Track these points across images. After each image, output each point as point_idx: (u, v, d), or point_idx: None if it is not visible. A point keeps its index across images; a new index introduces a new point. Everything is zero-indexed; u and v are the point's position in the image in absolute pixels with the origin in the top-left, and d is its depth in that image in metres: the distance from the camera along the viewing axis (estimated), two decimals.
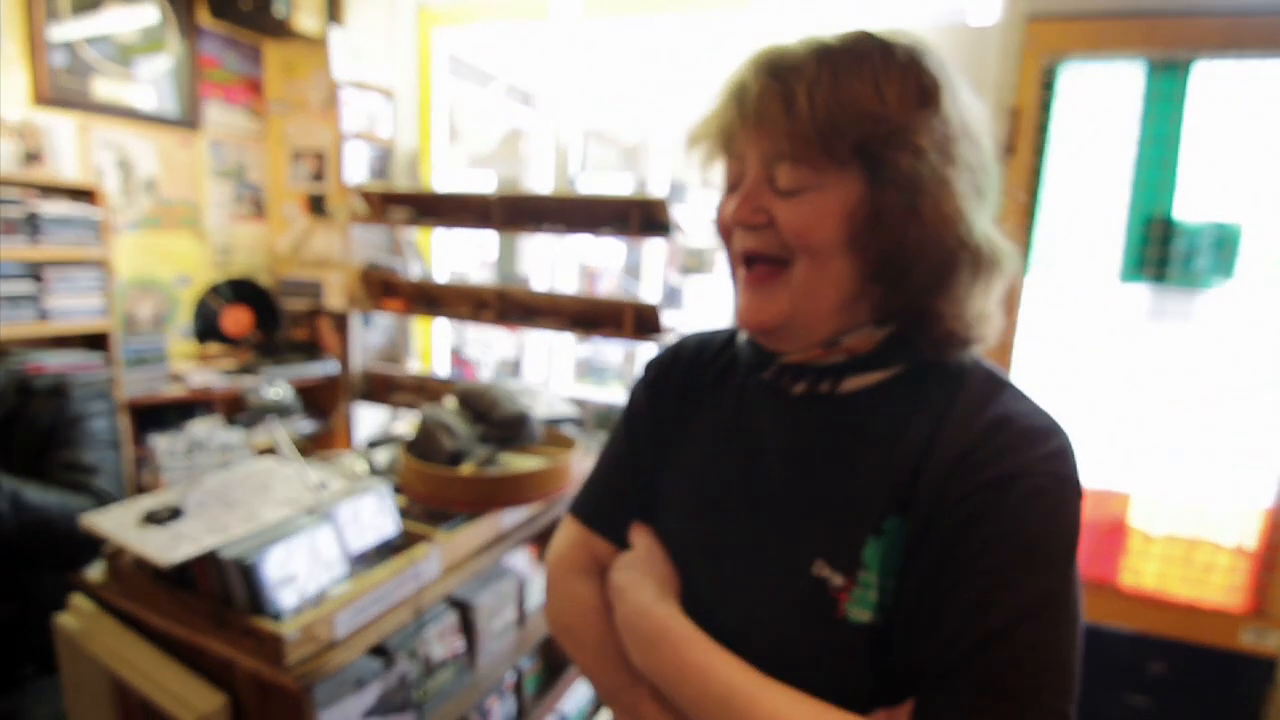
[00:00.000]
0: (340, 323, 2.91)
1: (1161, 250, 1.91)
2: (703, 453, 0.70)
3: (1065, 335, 2.05)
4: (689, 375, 0.75)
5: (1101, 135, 1.95)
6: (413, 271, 2.86)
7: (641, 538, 0.71)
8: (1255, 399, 1.89)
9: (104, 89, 2.52)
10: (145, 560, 1.11)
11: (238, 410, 2.72)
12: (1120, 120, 1.92)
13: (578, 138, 2.90)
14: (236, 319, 2.86)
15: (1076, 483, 0.53)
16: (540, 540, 1.70)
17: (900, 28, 0.58)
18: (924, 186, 0.54)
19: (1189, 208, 1.88)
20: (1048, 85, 1.99)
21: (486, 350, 3.76)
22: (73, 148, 2.44)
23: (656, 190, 2.33)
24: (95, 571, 1.27)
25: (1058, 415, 0.56)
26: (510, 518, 1.56)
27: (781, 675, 0.56)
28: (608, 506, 0.77)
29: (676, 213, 2.20)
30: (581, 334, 2.46)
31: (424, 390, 2.76)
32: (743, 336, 0.70)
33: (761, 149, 0.57)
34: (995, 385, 0.59)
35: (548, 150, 3.16)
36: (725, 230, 0.63)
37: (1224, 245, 1.88)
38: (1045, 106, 2.00)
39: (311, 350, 2.96)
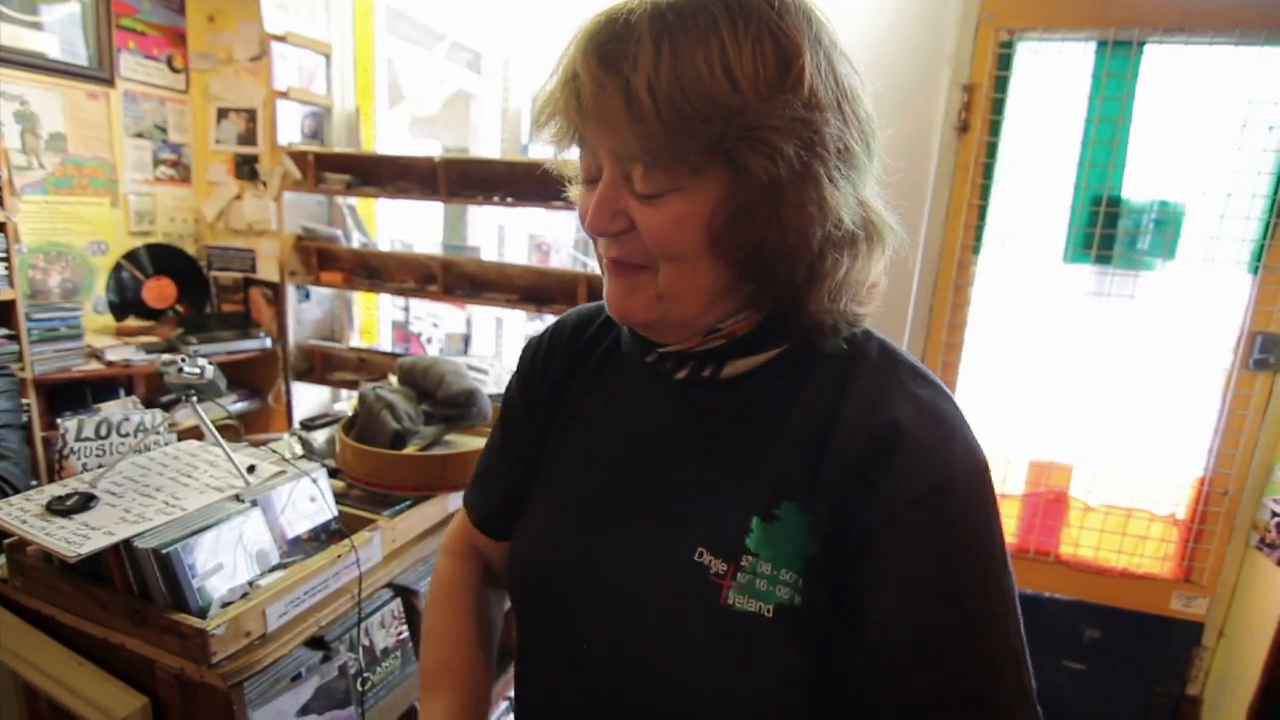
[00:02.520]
0: (275, 295, 2.75)
1: (1106, 230, 1.94)
2: (587, 438, 0.67)
3: (1014, 313, 2.07)
4: (570, 357, 0.71)
5: (1056, 114, 1.96)
6: (354, 241, 2.71)
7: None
8: (1191, 374, 1.95)
9: (2, 34, 2.28)
10: (51, 553, 1.01)
11: (161, 389, 2.56)
12: (1074, 99, 1.93)
13: (530, 101, 2.78)
14: (159, 290, 2.67)
15: (987, 465, 0.53)
16: None
17: None
18: (782, 188, 0.48)
19: (1135, 188, 1.92)
20: (1004, 62, 1.99)
21: (434, 325, 3.62)
22: None
23: None
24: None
25: (946, 385, 0.56)
26: (458, 500, 1.49)
27: (667, 671, 0.55)
28: (482, 497, 0.77)
29: None
30: (533, 310, 2.38)
31: (367, 367, 2.64)
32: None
33: (612, 147, 0.50)
34: (890, 363, 0.57)
35: (496, 115, 3.03)
36: (589, 232, 0.56)
37: (1167, 225, 1.92)
38: (1001, 84, 2.00)
39: (244, 324, 2.79)
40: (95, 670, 1.05)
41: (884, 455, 0.51)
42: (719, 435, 0.59)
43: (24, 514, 1.07)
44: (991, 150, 2.02)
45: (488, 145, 3.33)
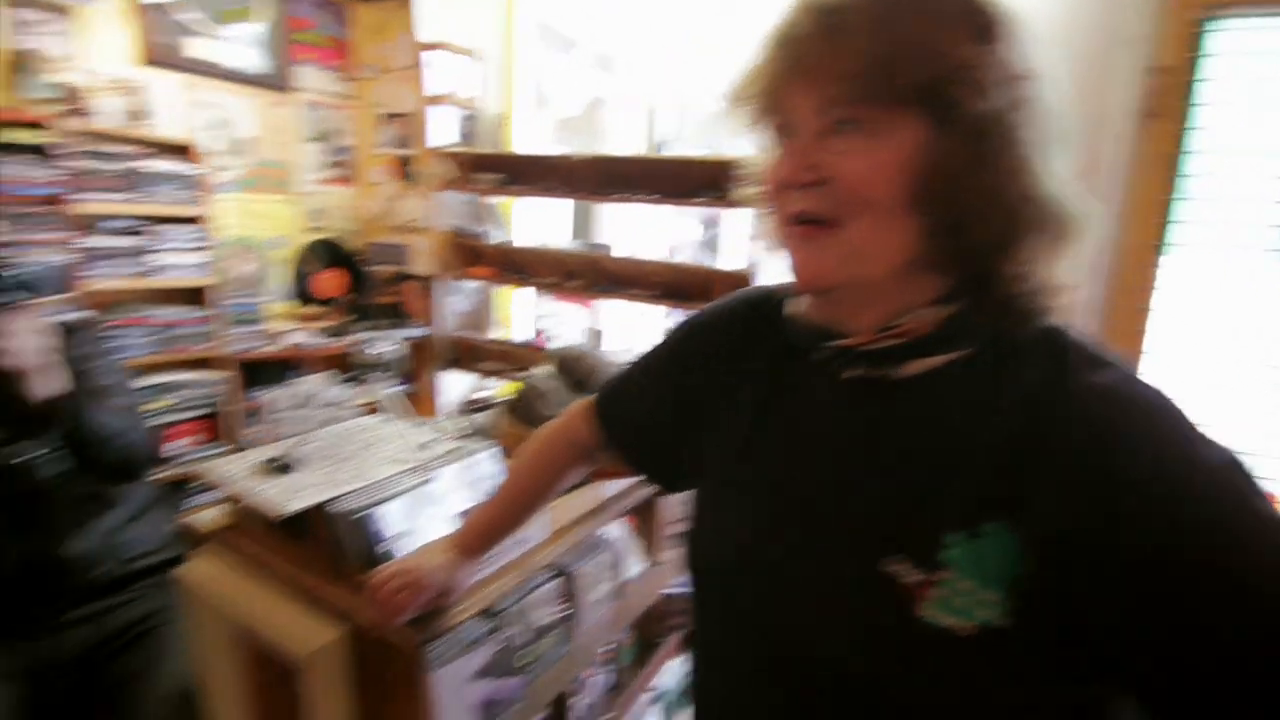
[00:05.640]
0: (426, 288, 2.92)
1: None
2: (753, 433, 0.66)
3: (1210, 318, 1.87)
4: (738, 338, 0.72)
5: (1260, 98, 1.75)
6: (496, 238, 2.84)
7: None
8: None
9: (199, 49, 2.56)
10: (259, 511, 1.11)
11: (329, 369, 2.76)
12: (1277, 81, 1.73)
13: (663, 104, 2.81)
14: (330, 281, 2.90)
15: (1237, 457, 0.47)
16: (638, 512, 1.65)
17: None
18: (990, 130, 0.49)
19: None
20: (1195, 43, 1.81)
21: (561, 323, 3.72)
22: (173, 106, 2.49)
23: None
24: (212, 517, 1.28)
25: (1164, 388, 0.50)
26: (609, 488, 1.51)
27: (854, 684, 0.54)
28: (615, 402, 0.86)
29: None
30: (670, 305, 2.39)
31: (510, 358, 2.75)
32: (791, 309, 0.64)
33: (813, 98, 0.52)
34: (1093, 364, 0.51)
35: (633, 118, 3.08)
36: (775, 195, 0.57)
37: None
38: (1192, 66, 1.82)
39: (397, 315, 2.98)
40: (300, 608, 1.14)
41: (1115, 469, 0.46)
42: (897, 440, 0.56)
43: (237, 473, 1.19)
44: (1180, 140, 1.84)
45: (617, 146, 3.39)
